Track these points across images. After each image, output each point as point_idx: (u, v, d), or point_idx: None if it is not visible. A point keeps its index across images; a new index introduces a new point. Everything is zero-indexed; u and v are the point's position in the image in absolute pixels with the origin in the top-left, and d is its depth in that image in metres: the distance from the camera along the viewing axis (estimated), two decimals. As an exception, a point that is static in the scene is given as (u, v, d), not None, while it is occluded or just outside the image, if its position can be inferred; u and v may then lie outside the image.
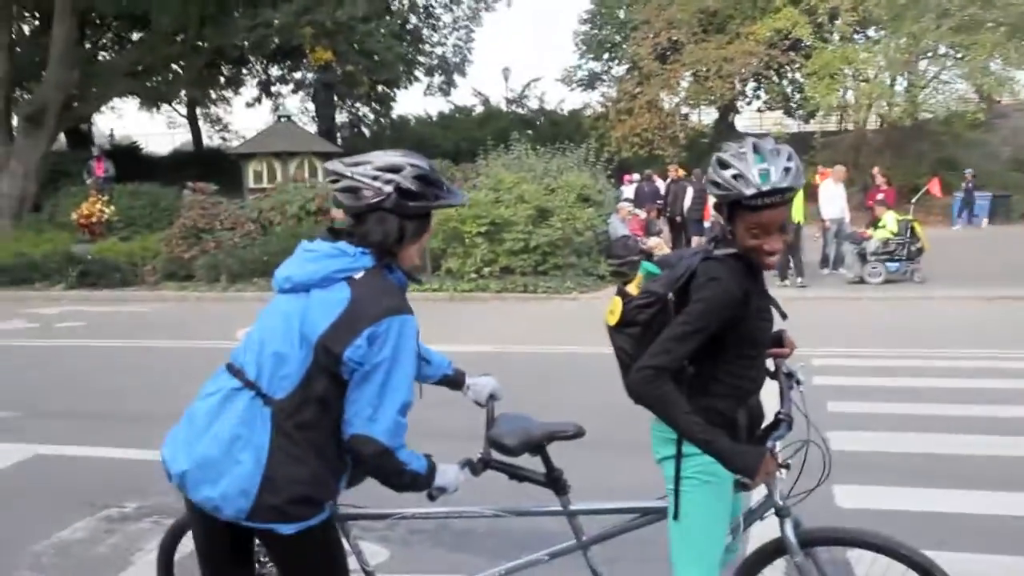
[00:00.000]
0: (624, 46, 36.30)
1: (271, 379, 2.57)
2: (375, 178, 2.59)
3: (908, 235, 16.00)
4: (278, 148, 24.44)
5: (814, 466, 2.94)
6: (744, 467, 2.70)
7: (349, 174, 2.61)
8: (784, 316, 3.01)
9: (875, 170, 20.85)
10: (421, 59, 40.87)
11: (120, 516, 5.46)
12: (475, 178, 19.81)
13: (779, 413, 2.91)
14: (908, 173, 27.46)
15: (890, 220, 16.28)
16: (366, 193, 2.59)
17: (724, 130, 36.56)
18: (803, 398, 3.02)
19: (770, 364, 3.07)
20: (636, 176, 22.86)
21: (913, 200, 18.74)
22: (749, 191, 2.63)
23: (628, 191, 21.88)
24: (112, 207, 22.03)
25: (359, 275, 2.58)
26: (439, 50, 42.12)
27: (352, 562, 2.92)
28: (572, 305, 15.54)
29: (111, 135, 42.52)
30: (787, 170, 2.64)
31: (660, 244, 18.39)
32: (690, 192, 20.15)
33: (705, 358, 2.77)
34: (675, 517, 2.91)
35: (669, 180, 21.82)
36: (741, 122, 40.48)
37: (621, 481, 5.29)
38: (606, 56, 39.92)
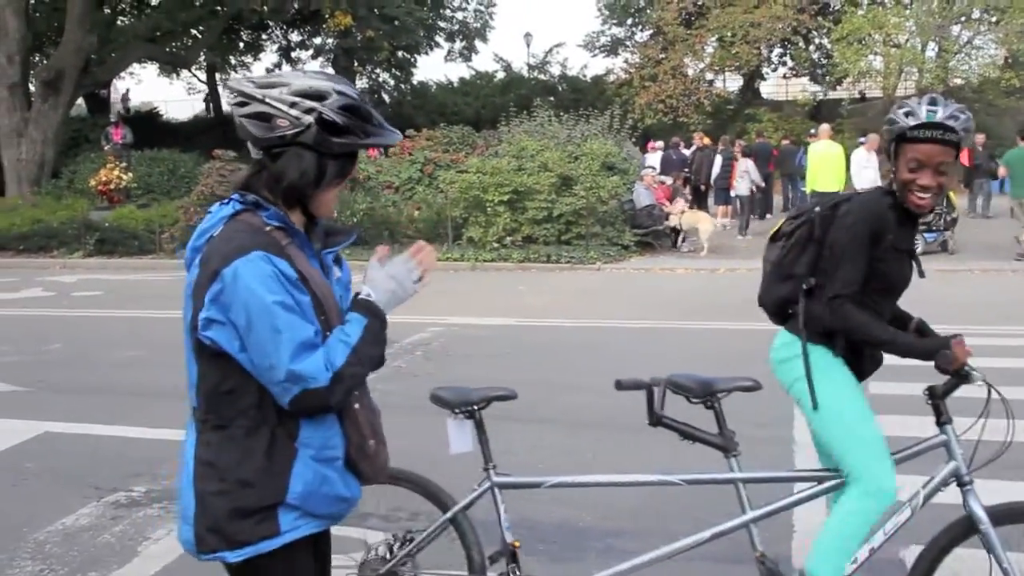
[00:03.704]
0: (648, 11, 35.57)
1: (191, 387, 2.26)
2: (293, 105, 2.13)
3: (944, 205, 15.55)
4: (297, 114, 24.10)
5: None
6: (933, 348, 2.90)
7: (260, 96, 2.15)
8: (921, 274, 3.26)
9: None
10: (442, 24, 40.24)
11: (128, 501, 5.21)
12: (497, 145, 19.45)
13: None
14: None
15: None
16: (280, 123, 2.14)
17: (749, 97, 35.92)
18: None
19: None
20: (660, 144, 22.40)
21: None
22: (913, 121, 2.91)
23: (652, 159, 21.46)
24: (130, 173, 21.83)
25: (219, 230, 2.19)
26: (460, 15, 41.43)
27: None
28: (596, 276, 15.22)
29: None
30: (954, 117, 2.89)
31: (682, 207, 17.94)
32: (718, 160, 19.69)
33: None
34: (815, 408, 3.06)
35: (694, 148, 21.38)
36: (766, 89, 39.76)
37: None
38: (629, 21, 39.14)
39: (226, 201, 2.24)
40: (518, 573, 3.21)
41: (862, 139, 18.57)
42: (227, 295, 2.09)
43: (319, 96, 2.15)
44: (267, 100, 2.15)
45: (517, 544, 3.22)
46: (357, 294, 2.28)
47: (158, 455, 5.82)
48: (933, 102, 2.93)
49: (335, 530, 3.22)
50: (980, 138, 20.56)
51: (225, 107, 42.71)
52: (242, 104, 2.18)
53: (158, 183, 23.48)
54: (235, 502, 2.16)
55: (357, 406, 2.29)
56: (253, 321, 2.08)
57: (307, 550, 2.30)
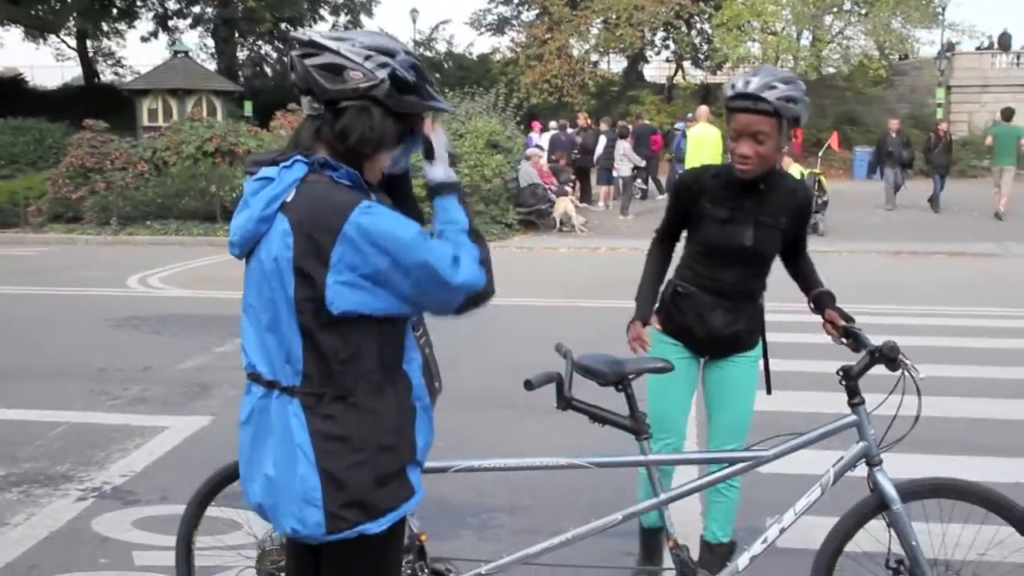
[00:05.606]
0: (535, -10, 35.76)
1: (283, 366, 2.11)
2: (367, 58, 2.06)
3: (816, 188, 16.15)
4: (175, 85, 23.41)
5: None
6: (637, 314, 3.44)
7: (334, 47, 2.07)
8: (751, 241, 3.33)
9: None
10: (326, -3, 39.62)
11: (-14, 484, 4.98)
12: (381, 121, 19.22)
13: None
14: (811, 127, 27.81)
15: (795, 172, 16.38)
16: (354, 75, 2.05)
17: (633, 79, 36.49)
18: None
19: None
20: (553, 124, 22.55)
21: (820, 154, 18.98)
22: (731, 92, 3.02)
23: (538, 138, 21.58)
24: (-8, 143, 20.82)
25: (291, 196, 2.07)
26: (345, -12, 40.88)
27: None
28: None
29: None
30: (770, 87, 2.93)
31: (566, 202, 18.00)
32: (602, 141, 19.93)
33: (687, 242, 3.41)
34: None
35: (578, 128, 21.61)
36: (649, 71, 40.48)
37: (530, 442, 5.10)
38: (516, 0, 39.28)
39: (288, 163, 2.10)
40: (425, 569, 2.95)
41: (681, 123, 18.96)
42: (357, 247, 2.01)
43: (390, 53, 2.10)
44: (340, 51, 2.07)
45: (424, 537, 2.97)
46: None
47: (14, 437, 5.58)
48: (754, 73, 3.03)
49: (211, 511, 3.13)
50: (895, 124, 20.77)
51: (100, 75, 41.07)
52: (310, 55, 2.09)
53: (23, 153, 22.45)
54: (378, 470, 2.10)
55: (428, 350, 2.40)
56: (399, 259, 2.02)
57: None
